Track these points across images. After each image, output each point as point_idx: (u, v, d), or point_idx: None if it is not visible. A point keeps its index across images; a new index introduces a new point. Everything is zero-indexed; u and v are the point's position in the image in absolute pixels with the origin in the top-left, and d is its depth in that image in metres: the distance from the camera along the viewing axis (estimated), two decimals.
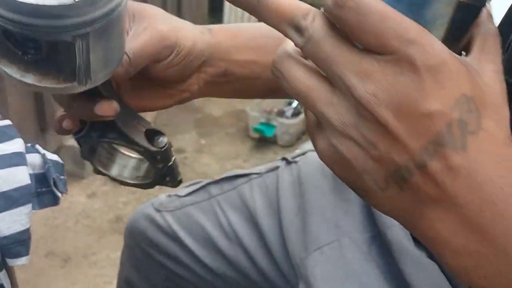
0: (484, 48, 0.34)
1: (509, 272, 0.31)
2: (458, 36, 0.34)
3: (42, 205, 0.63)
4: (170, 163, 0.52)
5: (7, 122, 0.67)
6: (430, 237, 0.32)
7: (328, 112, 0.31)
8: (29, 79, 0.40)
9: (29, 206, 0.59)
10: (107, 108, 0.46)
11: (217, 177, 0.83)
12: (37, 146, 0.67)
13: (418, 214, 0.32)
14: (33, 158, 0.62)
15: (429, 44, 0.30)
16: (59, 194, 0.64)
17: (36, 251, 1.75)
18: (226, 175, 0.83)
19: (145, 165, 0.55)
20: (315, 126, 0.34)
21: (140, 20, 0.50)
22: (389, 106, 0.30)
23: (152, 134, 0.50)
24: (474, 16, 0.34)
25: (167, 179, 0.54)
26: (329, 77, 0.32)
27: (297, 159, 0.78)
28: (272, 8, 0.33)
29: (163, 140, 0.50)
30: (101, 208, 2.00)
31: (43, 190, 0.63)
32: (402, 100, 0.29)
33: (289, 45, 0.33)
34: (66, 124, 0.49)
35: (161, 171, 0.52)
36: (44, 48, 0.40)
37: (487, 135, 0.31)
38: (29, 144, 0.66)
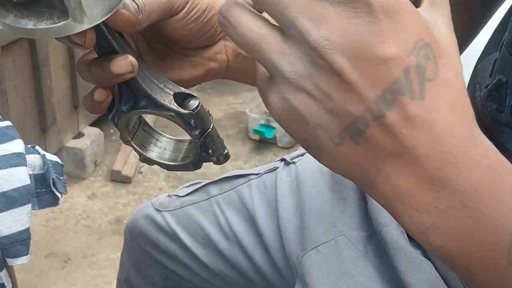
0: (434, 2, 0.33)
1: (467, 228, 0.30)
2: None
3: (41, 205, 0.63)
4: (209, 130, 0.46)
5: (7, 123, 0.68)
6: (388, 195, 0.31)
7: (280, 63, 0.30)
8: (25, 24, 0.37)
9: (29, 206, 0.59)
10: (123, 64, 0.42)
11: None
12: (37, 147, 0.68)
13: (374, 170, 0.30)
14: (33, 159, 0.63)
15: None
16: (59, 195, 0.64)
17: (36, 252, 1.75)
18: (225, 175, 0.83)
19: (184, 145, 0.51)
20: (266, 80, 0.31)
21: None
22: (344, 51, 0.28)
23: (183, 98, 0.45)
24: None
25: (210, 152, 0.48)
26: (281, 24, 0.30)
27: (295, 160, 0.79)
28: None
29: (194, 102, 0.45)
30: (101, 209, 2.00)
31: (43, 191, 0.64)
32: (357, 45, 0.28)
33: None
34: (96, 95, 0.44)
35: (200, 140, 0.46)
36: None
37: (445, 83, 0.30)
38: (29, 145, 0.67)
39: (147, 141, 0.51)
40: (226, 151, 0.50)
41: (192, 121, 0.44)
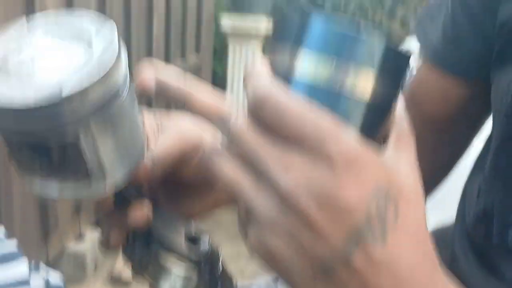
0: (399, 146, 0.35)
1: None
2: (372, 134, 0.35)
3: None
4: (218, 272, 0.47)
5: (13, 243, 0.69)
6: None
7: (255, 207, 0.32)
8: (51, 188, 0.39)
9: None
10: (139, 215, 0.44)
11: None
12: (41, 267, 0.68)
13: None
14: (37, 283, 0.63)
15: (344, 141, 0.31)
16: None
17: None
18: None
19: (193, 282, 0.50)
20: (245, 219, 0.34)
21: (166, 126, 0.49)
22: (310, 200, 0.30)
23: (195, 241, 0.47)
24: (385, 115, 0.35)
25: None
26: (254, 170, 0.32)
27: None
28: (197, 107, 0.36)
29: (204, 243, 0.47)
30: None
31: None
32: (322, 193, 0.30)
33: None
34: (112, 240, 0.47)
35: (210, 282, 0.47)
36: (54, 153, 0.38)
37: (405, 229, 0.31)
38: (32, 263, 0.67)
39: (159, 275, 0.52)
40: (235, 283, 0.51)
41: (202, 264, 0.46)
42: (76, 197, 0.40)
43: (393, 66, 0.33)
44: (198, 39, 3.77)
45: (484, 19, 0.56)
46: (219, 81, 4.37)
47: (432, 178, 0.70)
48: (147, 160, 0.44)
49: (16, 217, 1.78)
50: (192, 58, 3.65)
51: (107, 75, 0.36)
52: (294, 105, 0.32)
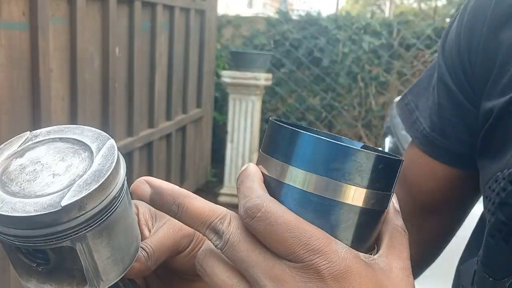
0: (392, 244, 0.35)
1: None
2: (365, 237, 0.35)
3: None
4: None
5: None
6: None
7: None
8: None
9: None
10: None
11: None
12: None
13: None
14: None
15: (333, 252, 0.32)
16: None
17: None
18: None
19: None
20: None
21: (161, 218, 0.50)
22: None
23: None
24: (378, 219, 0.36)
25: None
26: (247, 278, 0.34)
27: None
28: (191, 213, 0.36)
29: None
30: None
31: None
32: None
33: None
34: None
35: None
36: (51, 256, 0.39)
37: None
38: None
39: None
40: None
41: None
42: None
43: (384, 174, 0.35)
44: (199, 95, 3.84)
45: (468, 110, 0.58)
46: (219, 130, 4.42)
47: (421, 257, 0.70)
48: (142, 253, 0.45)
49: (14, 275, 1.77)
50: (193, 113, 3.70)
51: (104, 186, 0.37)
52: (284, 218, 0.33)
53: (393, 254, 0.35)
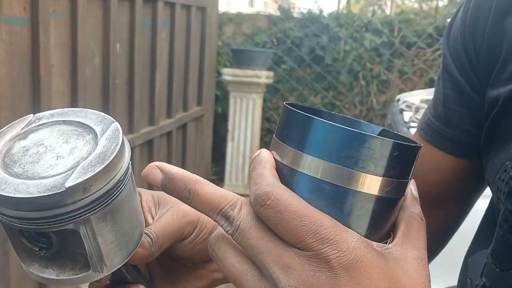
0: (408, 233, 0.35)
1: None
2: (379, 225, 0.34)
3: None
4: None
5: None
6: None
7: None
8: (49, 274, 0.39)
9: None
10: None
11: None
12: None
13: None
14: None
15: (343, 242, 0.31)
16: None
17: None
18: None
19: None
20: None
21: (164, 205, 0.50)
22: None
23: None
24: (393, 206, 0.35)
25: None
26: (257, 264, 0.34)
27: None
28: (202, 199, 0.36)
29: None
30: None
31: None
32: None
33: None
34: None
35: None
36: (54, 240, 0.39)
37: None
38: None
39: None
40: None
41: None
42: (74, 284, 0.40)
43: (400, 161, 0.34)
44: (200, 92, 3.83)
45: (474, 99, 0.58)
46: (220, 128, 4.41)
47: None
48: (146, 239, 0.45)
49: (13, 271, 1.77)
50: (194, 111, 3.70)
51: (108, 169, 0.37)
52: (294, 206, 0.32)
53: (409, 243, 0.35)
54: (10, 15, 1.72)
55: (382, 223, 0.35)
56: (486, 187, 0.63)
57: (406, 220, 0.35)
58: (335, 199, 0.33)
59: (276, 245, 0.33)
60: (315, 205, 0.33)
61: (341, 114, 0.39)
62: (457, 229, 0.71)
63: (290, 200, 0.33)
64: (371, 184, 0.33)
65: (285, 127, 0.36)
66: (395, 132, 0.37)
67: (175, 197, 0.38)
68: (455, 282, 0.66)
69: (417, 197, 0.37)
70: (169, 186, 0.38)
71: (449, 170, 0.64)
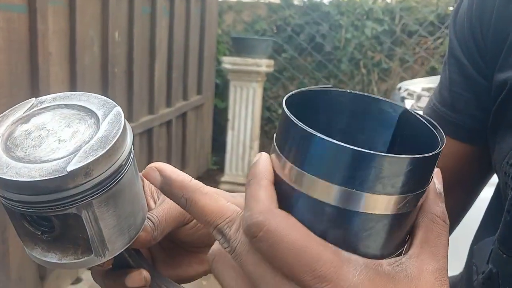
0: (427, 240, 0.32)
1: None
2: (391, 240, 0.31)
3: None
4: None
5: None
6: None
7: None
8: (51, 258, 0.39)
9: None
10: (138, 279, 0.44)
11: None
12: None
13: None
14: None
15: (343, 279, 0.29)
16: None
17: None
18: None
19: None
20: None
21: None
22: None
23: None
24: (407, 219, 0.31)
25: None
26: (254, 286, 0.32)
27: None
28: (199, 211, 0.35)
29: None
30: None
31: None
32: None
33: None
34: None
35: None
36: (56, 224, 0.39)
37: None
38: None
39: None
40: None
41: None
42: (76, 268, 0.40)
43: (413, 175, 0.29)
44: (200, 81, 3.81)
45: (480, 83, 0.57)
46: (220, 117, 4.40)
47: None
48: (148, 223, 0.45)
49: (12, 258, 1.76)
50: (194, 100, 3.68)
51: (110, 153, 0.37)
52: (289, 238, 0.30)
53: (426, 253, 0.31)
54: (8, 2, 1.70)
55: (394, 237, 0.31)
56: (493, 174, 0.62)
57: (425, 224, 0.32)
58: (339, 221, 0.30)
59: (273, 276, 0.31)
60: (317, 227, 0.30)
61: (354, 92, 0.35)
62: (463, 216, 0.71)
63: (284, 231, 0.30)
64: (380, 204, 0.29)
65: (283, 137, 0.32)
66: (416, 114, 0.33)
67: (174, 202, 0.37)
68: (461, 270, 0.66)
69: (441, 191, 0.34)
70: (167, 191, 0.37)
71: (455, 156, 0.63)
